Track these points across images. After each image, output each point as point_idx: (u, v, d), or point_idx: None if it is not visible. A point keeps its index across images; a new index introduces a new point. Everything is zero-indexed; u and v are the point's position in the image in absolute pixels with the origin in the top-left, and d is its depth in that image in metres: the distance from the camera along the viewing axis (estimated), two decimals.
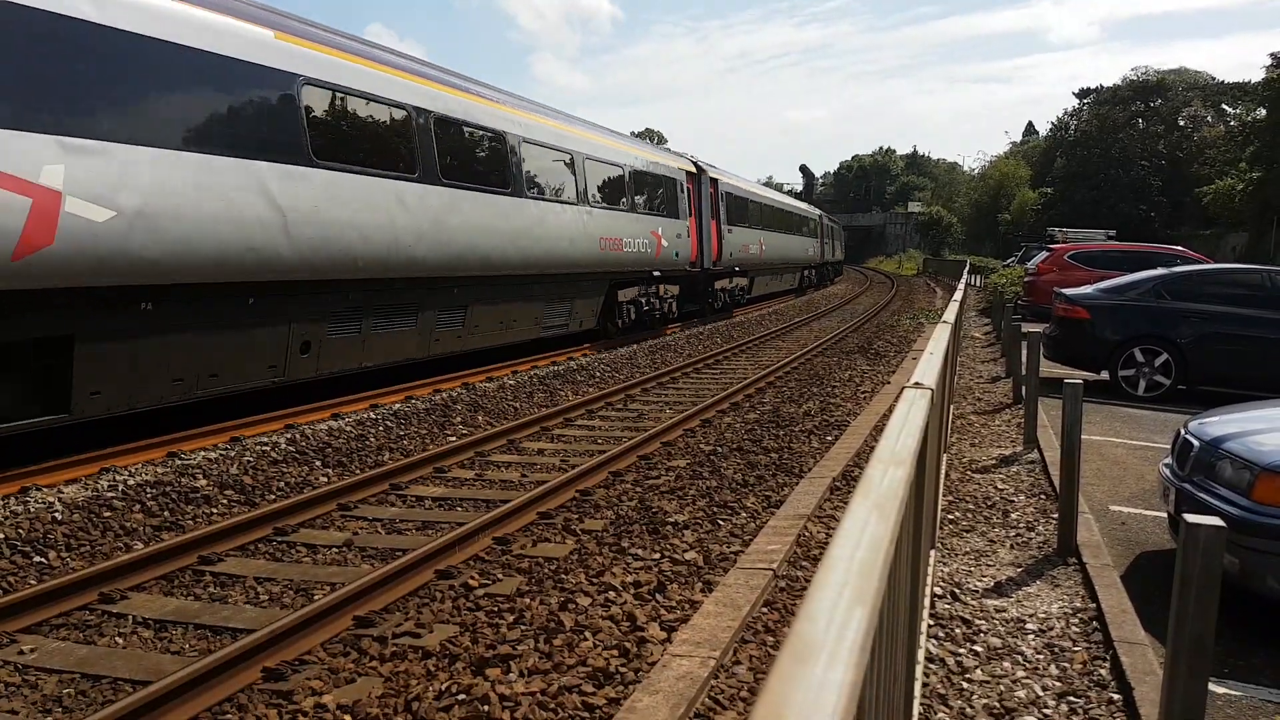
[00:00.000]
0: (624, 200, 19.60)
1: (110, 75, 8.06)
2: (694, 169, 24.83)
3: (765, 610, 5.13)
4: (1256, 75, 44.45)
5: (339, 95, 11.04)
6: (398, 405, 11.70)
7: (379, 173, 11.45)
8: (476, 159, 14.20)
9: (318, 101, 10.66)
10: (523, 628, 5.01)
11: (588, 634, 4.89)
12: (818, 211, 52.69)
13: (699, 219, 24.53)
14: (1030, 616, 5.14)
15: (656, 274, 21.36)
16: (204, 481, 8.04)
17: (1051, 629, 4.98)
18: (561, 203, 16.46)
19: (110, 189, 7.88)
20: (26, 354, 7.75)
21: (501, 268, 14.24)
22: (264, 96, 9.82)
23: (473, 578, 5.85)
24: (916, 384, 2.79)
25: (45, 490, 7.50)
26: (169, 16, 8.71)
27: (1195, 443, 5.72)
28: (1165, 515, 6.23)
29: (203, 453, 8.98)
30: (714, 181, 26.17)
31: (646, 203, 20.85)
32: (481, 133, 14.19)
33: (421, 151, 12.35)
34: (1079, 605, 5.29)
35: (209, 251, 8.91)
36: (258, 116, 9.73)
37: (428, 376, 13.36)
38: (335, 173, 10.64)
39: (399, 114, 12.09)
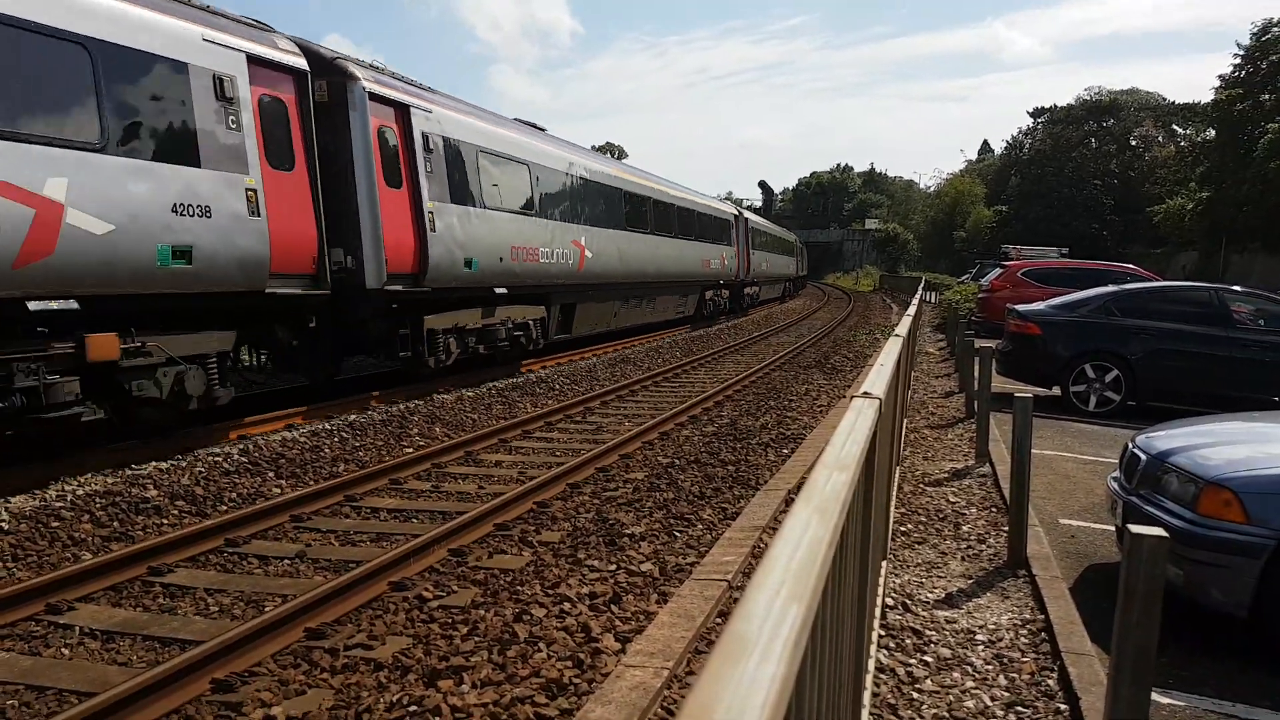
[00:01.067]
0: (716, 236, 31.89)
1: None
2: (737, 213, 36.78)
3: (719, 620, 5.15)
4: (1205, 96, 45.58)
5: (640, 196, 24.08)
6: (353, 416, 11.60)
7: (640, 230, 23.47)
8: (670, 218, 26.57)
9: (633, 201, 23.46)
10: (476, 639, 4.99)
11: (542, 645, 4.89)
12: (794, 235, 64.97)
13: (738, 246, 35.34)
14: (980, 628, 5.21)
15: (721, 283, 32.99)
16: (155, 492, 7.93)
17: (1001, 640, 5.05)
18: (689, 240, 28.38)
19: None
20: None
21: (663, 276, 25.64)
22: (615, 200, 21.97)
23: (427, 589, 5.82)
24: (865, 393, 2.83)
25: None
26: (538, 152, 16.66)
27: (1143, 456, 5.84)
28: (1114, 528, 6.34)
29: (154, 463, 8.85)
30: (745, 220, 37.72)
31: (714, 236, 31.71)
32: (669, 205, 26.72)
33: (654, 217, 25.03)
34: (1028, 616, 5.37)
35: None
36: (610, 208, 21.52)
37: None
38: (630, 232, 22.71)
39: (646, 200, 24.62)
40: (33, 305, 7.70)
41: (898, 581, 5.93)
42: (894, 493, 7.37)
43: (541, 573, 6.13)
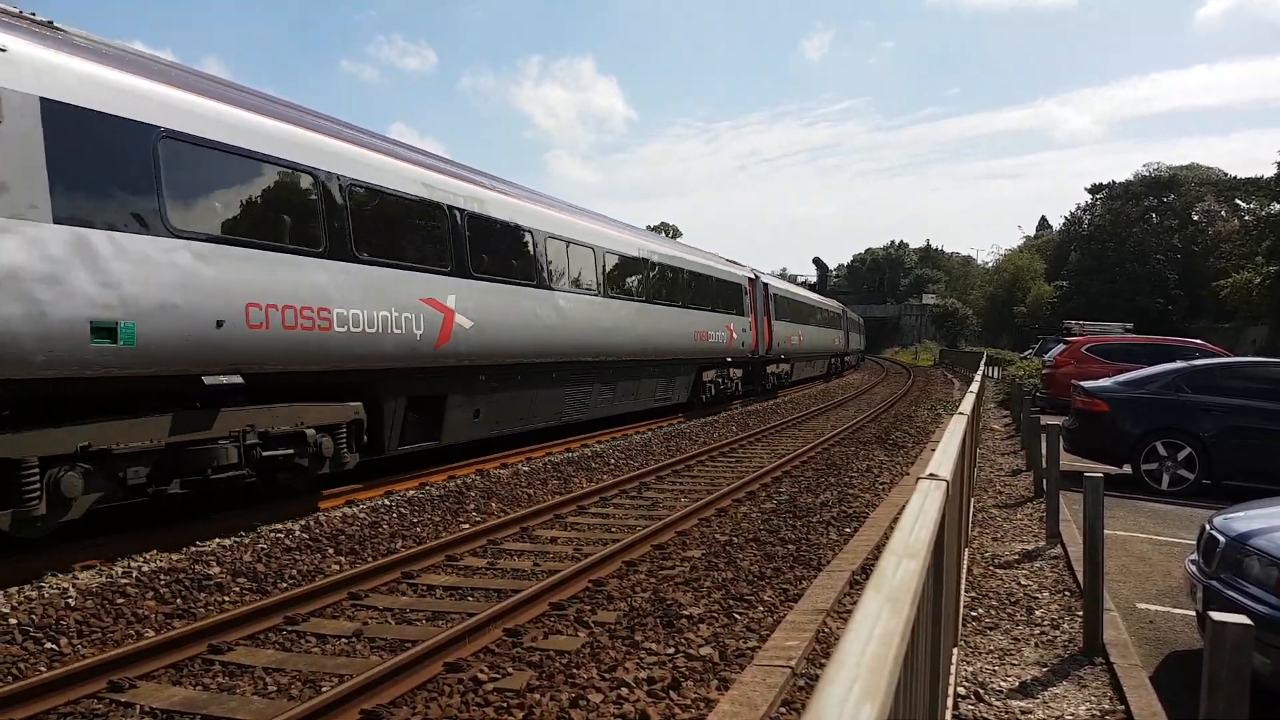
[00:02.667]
0: (719, 303, 26.91)
1: None
2: (753, 275, 31.64)
3: (783, 710, 5.00)
4: (1268, 170, 44.86)
5: (685, 271, 23.80)
6: (412, 492, 11.66)
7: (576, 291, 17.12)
8: (635, 278, 20.97)
9: (664, 272, 22.23)
10: None
11: None
12: (839, 305, 57.43)
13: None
14: (1057, 718, 4.99)
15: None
16: (217, 569, 7.99)
17: None
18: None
19: None
20: None
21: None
22: (672, 278, 22.90)
23: (482, 671, 5.74)
24: (931, 475, 2.76)
25: (60, 576, 7.48)
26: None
27: (1221, 539, 5.62)
28: (1194, 613, 6.09)
29: (217, 540, 8.95)
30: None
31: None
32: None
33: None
34: (1107, 707, 5.14)
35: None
36: (674, 287, 22.82)
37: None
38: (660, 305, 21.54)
39: (692, 277, 24.44)
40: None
41: (970, 669, 5.72)
42: (964, 576, 7.16)
43: (598, 655, 6.02)
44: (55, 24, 8.34)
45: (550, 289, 15.67)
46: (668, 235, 51.83)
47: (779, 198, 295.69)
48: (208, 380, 9.00)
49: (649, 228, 39.80)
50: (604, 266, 18.32)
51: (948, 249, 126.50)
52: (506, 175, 15.82)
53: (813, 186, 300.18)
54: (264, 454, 9.70)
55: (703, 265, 25.43)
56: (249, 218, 9.54)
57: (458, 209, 13.11)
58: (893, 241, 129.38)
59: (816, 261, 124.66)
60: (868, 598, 1.46)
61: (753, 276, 30.69)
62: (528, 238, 15.14)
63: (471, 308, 12.94)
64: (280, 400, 9.97)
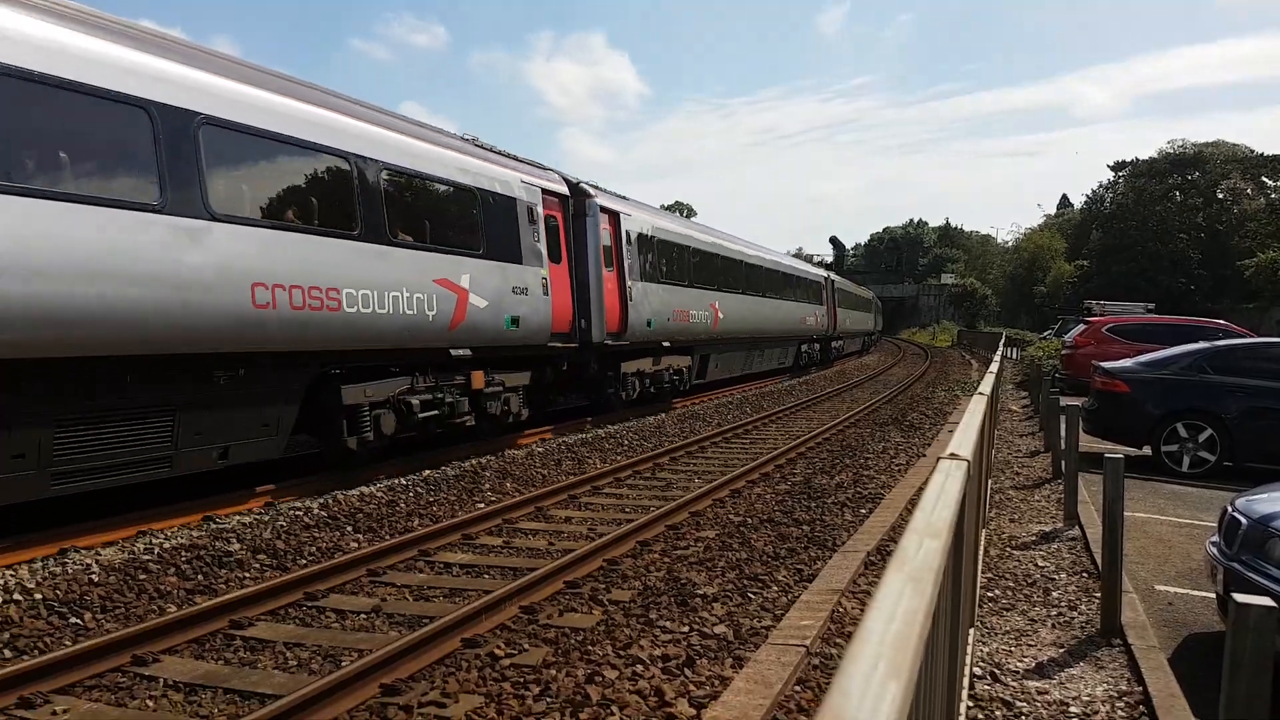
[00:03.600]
0: (811, 297, 36.06)
1: None
2: (827, 276, 41.03)
3: (798, 689, 5.01)
4: None
5: (755, 265, 27.47)
6: (428, 471, 11.71)
7: (755, 294, 27.33)
8: (777, 282, 30.97)
9: (751, 270, 27.06)
10: (548, 700, 4.93)
11: (614, 708, 4.80)
12: (871, 293, 61.10)
13: (828, 305, 38.66)
14: (1074, 699, 4.98)
15: (814, 338, 37.42)
16: (237, 545, 8.06)
17: (1096, 713, 4.82)
18: (790, 300, 32.92)
19: None
20: None
21: (771, 332, 29.93)
22: (739, 270, 26.16)
23: (499, 647, 5.78)
24: (952, 455, 2.75)
25: (83, 552, 7.56)
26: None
27: (1243, 520, 5.58)
28: (1214, 595, 6.06)
29: (237, 517, 9.02)
30: (833, 281, 34.42)
31: (809, 297, 36.51)
32: (774, 271, 30.44)
33: (765, 282, 29.06)
34: (1124, 688, 5.13)
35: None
36: (735, 277, 25.49)
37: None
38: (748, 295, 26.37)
39: (758, 269, 28.51)
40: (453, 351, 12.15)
41: (986, 650, 5.72)
42: (980, 557, 7.14)
43: (613, 632, 6.04)
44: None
45: (746, 295, 26.46)
46: (682, 215, 51.98)
47: (795, 175, 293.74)
48: (664, 343, 19.51)
49: (663, 206, 38.10)
50: (765, 277, 28.96)
51: (967, 227, 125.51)
52: (522, 154, 15.75)
53: (830, 163, 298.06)
54: (673, 376, 19.74)
55: (804, 271, 36.31)
56: (674, 272, 21.47)
57: (741, 260, 26.97)
58: (911, 220, 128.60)
59: (833, 240, 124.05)
60: (890, 576, 1.45)
61: (827, 276, 39.80)
62: (742, 267, 26.73)
63: (725, 309, 24.04)
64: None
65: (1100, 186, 69.65)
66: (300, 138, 9.85)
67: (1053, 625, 6.27)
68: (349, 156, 10.53)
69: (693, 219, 51.54)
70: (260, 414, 9.53)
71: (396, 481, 11.02)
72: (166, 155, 8.17)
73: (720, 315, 23.57)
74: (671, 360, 20.86)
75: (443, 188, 12.62)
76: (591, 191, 17.17)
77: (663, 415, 18.87)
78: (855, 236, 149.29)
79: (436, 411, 12.29)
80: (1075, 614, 6.48)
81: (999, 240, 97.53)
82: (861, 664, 1.11)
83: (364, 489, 10.49)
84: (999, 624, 6.28)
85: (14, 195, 6.93)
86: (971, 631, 5.34)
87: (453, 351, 12.24)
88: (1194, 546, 8.35)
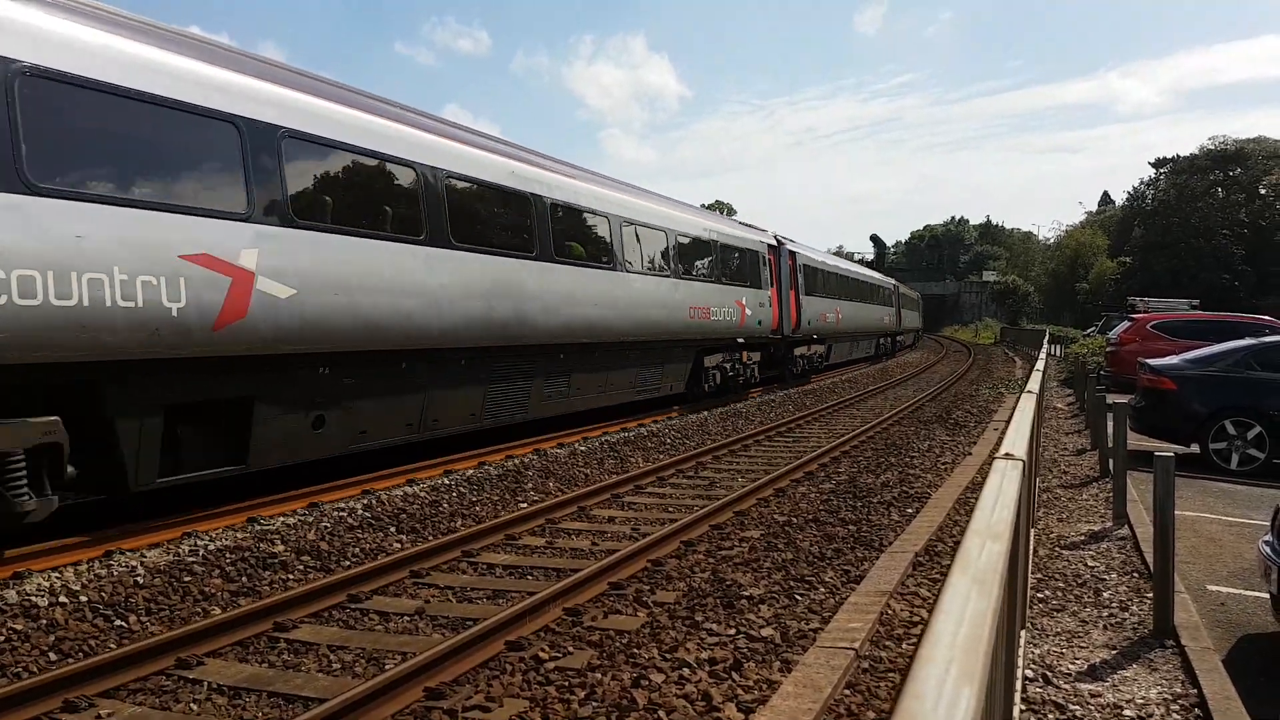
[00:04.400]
0: (728, 273, 22.95)
1: None
2: (775, 242, 27.07)
3: (848, 692, 4.94)
4: None
5: (677, 233, 21.03)
6: (471, 471, 11.75)
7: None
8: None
9: (643, 234, 18.67)
10: (594, 704, 4.89)
11: (661, 713, 4.76)
12: (891, 281, 55.89)
13: (778, 288, 26.76)
14: (1128, 702, 4.87)
15: (740, 341, 22.97)
16: (281, 547, 8.12)
17: (1150, 715, 4.71)
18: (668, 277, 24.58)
19: None
20: None
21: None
22: (653, 241, 20.23)
23: (543, 650, 5.76)
24: (1008, 454, 2.68)
25: (129, 554, 7.64)
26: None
27: None
28: (1268, 595, 5.91)
29: (281, 518, 9.09)
30: (792, 254, 28.40)
31: (722, 273, 22.68)
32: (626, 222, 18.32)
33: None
34: (1179, 690, 5.01)
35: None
36: (660, 252, 20.04)
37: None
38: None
39: (689, 241, 21.89)
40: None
41: (1037, 652, 5.61)
42: (1031, 557, 7.02)
43: (658, 635, 6.00)
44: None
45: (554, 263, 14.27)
46: (722, 213, 51.57)
47: (837, 174, 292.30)
48: (814, 337, 30.66)
49: (704, 206, 36.22)
50: (856, 287, 37.91)
51: (1008, 225, 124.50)
52: (562, 155, 15.88)
53: (871, 162, 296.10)
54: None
55: (878, 280, 42.15)
56: (831, 289, 34.37)
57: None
58: (953, 218, 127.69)
59: (874, 238, 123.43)
60: (955, 579, 1.40)
61: (773, 243, 26.51)
62: (849, 279, 37.92)
63: (844, 312, 35.60)
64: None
65: (1142, 183, 68.75)
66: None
67: (1104, 626, 6.14)
68: (753, 248, 24.56)
69: (732, 216, 51.45)
70: (671, 370, 19.41)
71: (440, 481, 11.06)
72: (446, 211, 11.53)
73: (841, 317, 33.38)
74: (816, 348, 30.57)
75: (734, 247, 22.67)
76: (784, 240, 27.53)
77: (809, 386, 27.54)
78: (896, 234, 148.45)
79: (733, 373, 22.66)
80: (1127, 615, 6.35)
81: (1040, 237, 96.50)
82: (934, 668, 1.07)
83: (407, 489, 10.54)
84: (1050, 625, 6.17)
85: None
86: (1023, 633, 5.24)
87: (738, 340, 22.31)
88: (1246, 545, 8.17)
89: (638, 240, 17.43)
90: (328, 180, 9.90)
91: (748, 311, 22.87)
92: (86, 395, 7.55)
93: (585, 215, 15.61)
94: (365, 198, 10.48)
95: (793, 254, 27.93)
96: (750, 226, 26.34)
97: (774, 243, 26.57)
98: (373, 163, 10.51)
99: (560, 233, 14.44)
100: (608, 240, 16.22)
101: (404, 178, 11.01)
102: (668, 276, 18.41)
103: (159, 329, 7.66)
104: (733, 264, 22.49)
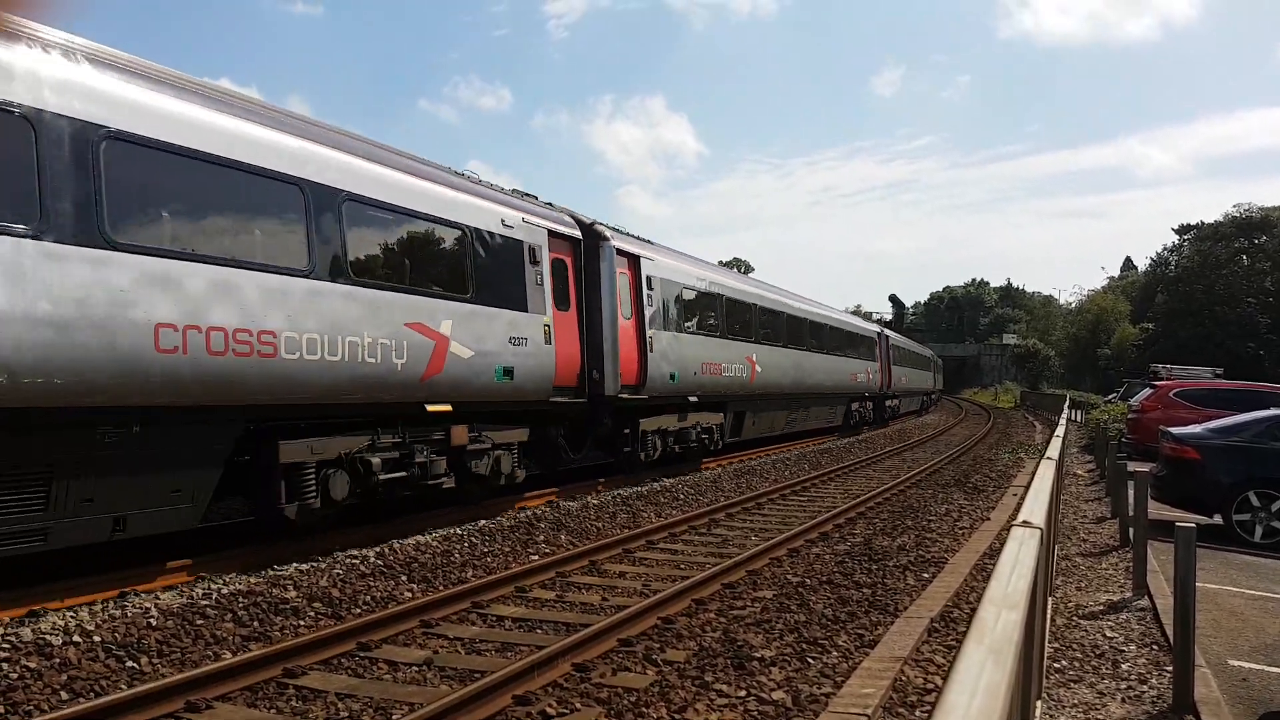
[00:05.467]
0: (862, 352, 35.90)
1: None
2: (880, 330, 42.78)
3: None
4: None
5: (798, 318, 27.42)
6: (483, 521, 11.72)
7: (798, 347, 26.82)
8: (823, 336, 30.32)
9: (793, 322, 26.63)
10: None
11: None
12: (930, 351, 61.98)
13: (880, 361, 39.39)
14: None
15: (866, 395, 36.45)
16: (294, 593, 8.11)
17: None
18: (838, 355, 32.24)
19: None
20: None
21: (816, 388, 29.38)
22: (780, 321, 25.39)
23: (551, 705, 5.70)
24: (1025, 522, 2.67)
25: (143, 595, 7.66)
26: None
27: None
28: None
29: (295, 564, 9.08)
30: (887, 337, 40.89)
31: (860, 352, 35.31)
32: (821, 324, 30.34)
33: (809, 335, 28.60)
34: None
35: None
36: (775, 329, 24.74)
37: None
38: (790, 349, 25.90)
39: (803, 321, 27.92)
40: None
41: None
42: (1048, 626, 6.93)
43: (667, 694, 5.93)
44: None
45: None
46: (740, 270, 52.48)
47: (854, 234, 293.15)
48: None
49: (721, 263, 39.28)
50: (809, 329, 28.17)
51: (1029, 288, 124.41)
52: (581, 209, 15.95)
53: (889, 222, 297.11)
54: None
55: (853, 325, 36.18)
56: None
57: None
58: (973, 279, 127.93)
59: (892, 299, 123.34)
60: (970, 649, 1.40)
61: (880, 331, 40.44)
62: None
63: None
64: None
65: (1165, 249, 68.88)
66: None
67: (1122, 699, 6.03)
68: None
69: (750, 274, 51.96)
70: (839, 409, 30.83)
71: (452, 531, 11.04)
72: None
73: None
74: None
75: (859, 335, 30.46)
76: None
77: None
78: (915, 295, 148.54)
79: (862, 411, 33.34)
80: (1146, 688, 6.24)
81: (1061, 301, 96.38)
82: None
83: (419, 538, 10.52)
84: (1067, 696, 6.06)
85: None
86: (1039, 704, 5.15)
87: (865, 394, 30.09)
88: (1269, 620, 8.02)
89: (831, 333, 30.40)
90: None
91: (870, 376, 35.68)
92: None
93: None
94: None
95: (887, 337, 41.32)
96: (867, 320, 40.27)
97: (879, 331, 40.50)
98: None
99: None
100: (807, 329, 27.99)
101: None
102: (840, 355, 31.04)
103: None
104: (862, 346, 35.30)
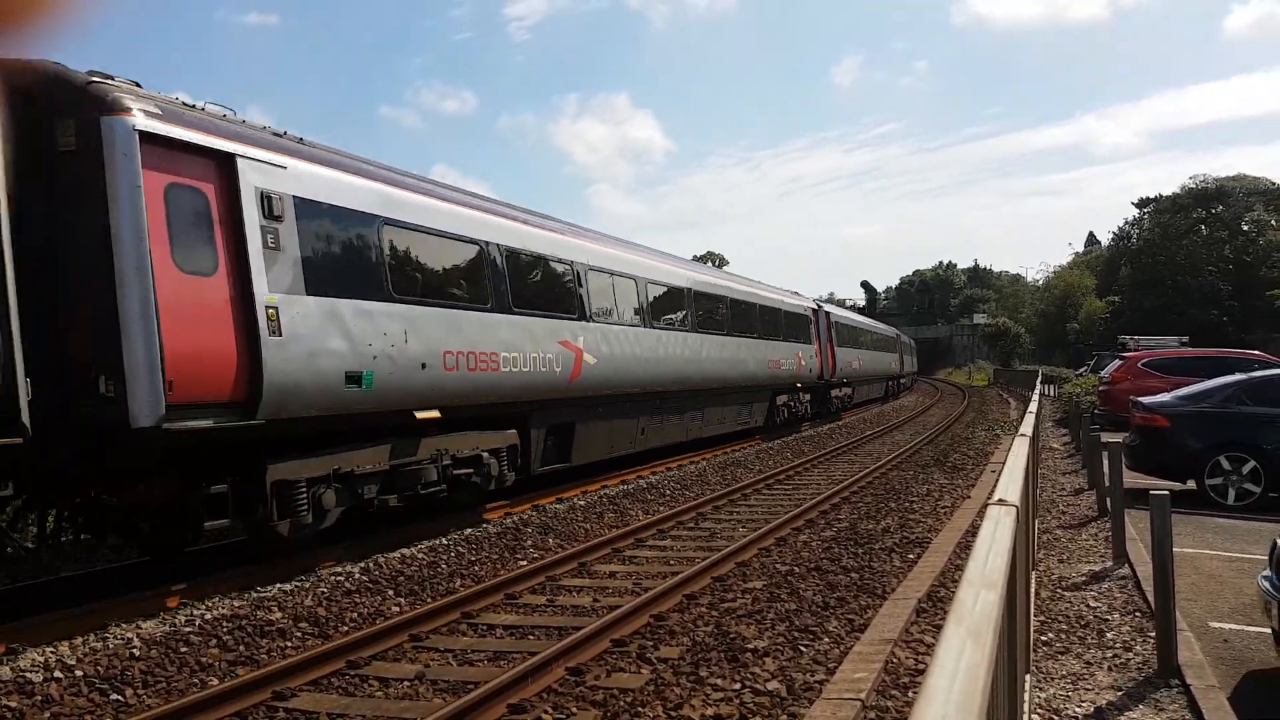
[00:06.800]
0: (788, 334, 28.79)
1: None
2: (815, 306, 32.89)
3: None
4: None
5: (758, 306, 25.59)
6: (469, 530, 11.69)
7: (671, 329, 19.79)
8: (719, 314, 23.02)
9: (739, 307, 23.77)
10: None
11: None
12: (894, 331, 59.25)
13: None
14: None
15: (798, 386, 29.29)
16: (279, 614, 8.05)
17: None
18: (748, 338, 25.04)
19: None
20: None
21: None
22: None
23: (546, 711, 5.70)
24: (1000, 500, 2.70)
25: (124, 625, 7.57)
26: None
27: None
28: (1269, 631, 5.89)
29: (278, 585, 9.01)
30: (827, 314, 33.91)
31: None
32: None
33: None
34: None
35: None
36: (750, 320, 24.37)
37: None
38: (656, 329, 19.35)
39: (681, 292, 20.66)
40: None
41: (1043, 696, 5.58)
42: (1032, 600, 7.00)
43: (662, 692, 5.95)
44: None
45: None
46: (714, 264, 52.40)
47: (824, 223, 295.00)
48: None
49: (695, 257, 38.53)
50: (693, 304, 20.52)
51: (996, 268, 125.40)
52: (550, 211, 15.69)
53: (857, 210, 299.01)
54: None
55: (766, 297, 27.13)
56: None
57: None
58: (941, 262, 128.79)
59: (865, 285, 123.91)
60: (949, 632, 1.42)
61: (816, 307, 32.88)
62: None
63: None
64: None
65: (1126, 223, 69.77)
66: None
67: (1109, 667, 6.11)
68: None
69: (725, 268, 51.69)
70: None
71: (438, 541, 11.00)
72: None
73: (861, 364, 25.52)
74: (845, 390, 22.53)
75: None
76: (820, 304, 21.95)
77: (841, 421, 27.53)
78: (886, 280, 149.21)
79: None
80: (1131, 655, 6.32)
81: (1029, 279, 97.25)
82: None
83: (405, 550, 10.48)
84: (1055, 668, 6.13)
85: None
86: (1028, 678, 5.21)
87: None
88: (1246, 581, 8.14)
89: (741, 311, 24.09)
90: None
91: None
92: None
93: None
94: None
95: (828, 314, 33.79)
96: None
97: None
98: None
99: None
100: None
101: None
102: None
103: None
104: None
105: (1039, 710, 5.29)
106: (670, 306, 19.40)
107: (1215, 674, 5.78)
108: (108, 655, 6.88)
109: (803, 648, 6.75)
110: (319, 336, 9.36)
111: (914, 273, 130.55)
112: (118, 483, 8.45)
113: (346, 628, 7.82)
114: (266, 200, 9.02)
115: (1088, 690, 5.69)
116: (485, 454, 12.27)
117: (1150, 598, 7.07)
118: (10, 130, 7.42)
